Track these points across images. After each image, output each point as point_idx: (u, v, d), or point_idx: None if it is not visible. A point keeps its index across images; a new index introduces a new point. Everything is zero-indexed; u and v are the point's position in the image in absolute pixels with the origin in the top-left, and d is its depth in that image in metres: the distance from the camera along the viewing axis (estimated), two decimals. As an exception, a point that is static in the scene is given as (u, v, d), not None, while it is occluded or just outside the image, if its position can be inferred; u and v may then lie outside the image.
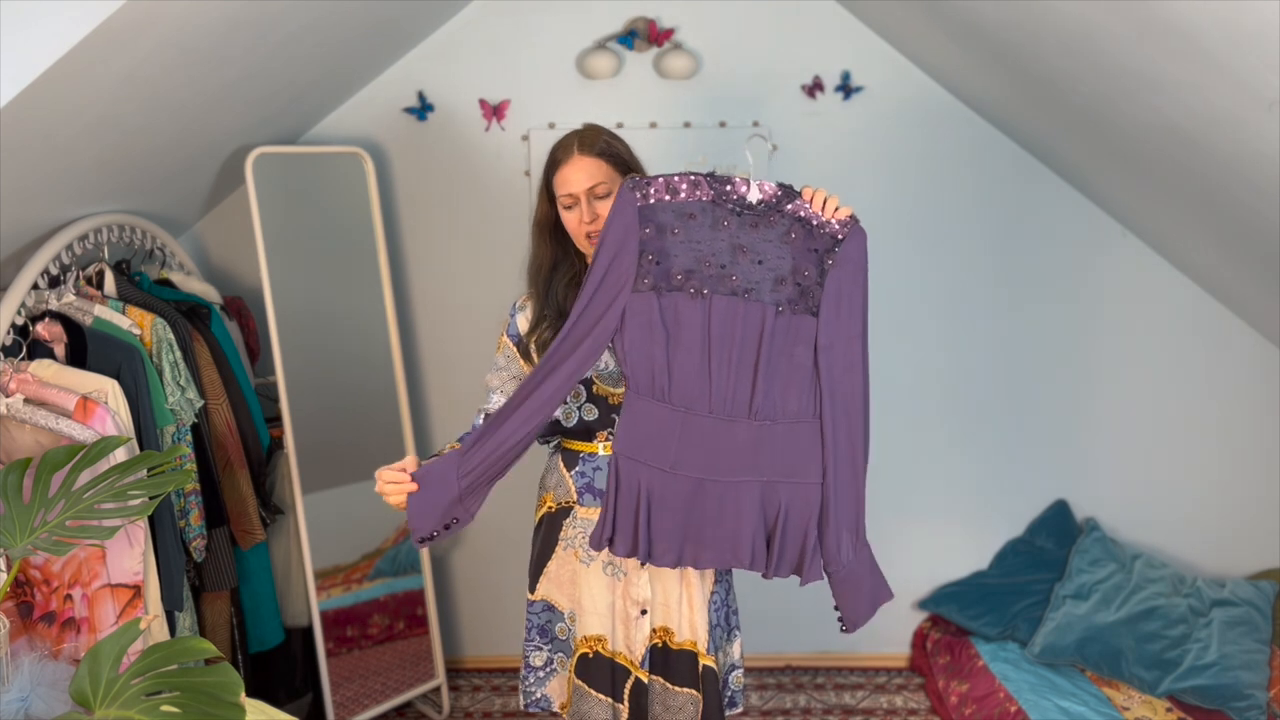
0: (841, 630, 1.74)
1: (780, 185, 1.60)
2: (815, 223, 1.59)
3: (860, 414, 1.64)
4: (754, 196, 1.59)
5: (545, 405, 1.62)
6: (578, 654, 1.79)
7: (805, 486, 1.61)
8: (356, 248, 2.80)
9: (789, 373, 1.59)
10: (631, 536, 1.63)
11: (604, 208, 1.70)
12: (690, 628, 1.78)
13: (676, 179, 1.58)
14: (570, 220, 1.74)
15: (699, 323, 1.57)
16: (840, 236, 1.59)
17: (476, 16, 2.88)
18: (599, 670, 1.78)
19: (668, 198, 1.58)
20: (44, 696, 1.56)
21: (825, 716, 3.00)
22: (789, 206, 1.59)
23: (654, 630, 1.78)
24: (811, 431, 1.61)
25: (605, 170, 1.72)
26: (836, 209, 1.60)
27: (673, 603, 1.77)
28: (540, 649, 1.85)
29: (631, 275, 1.58)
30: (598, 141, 1.74)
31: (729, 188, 1.59)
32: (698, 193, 1.58)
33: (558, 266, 1.80)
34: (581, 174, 1.71)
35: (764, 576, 1.67)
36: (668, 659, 1.78)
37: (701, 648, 1.78)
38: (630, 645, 1.78)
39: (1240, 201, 2.21)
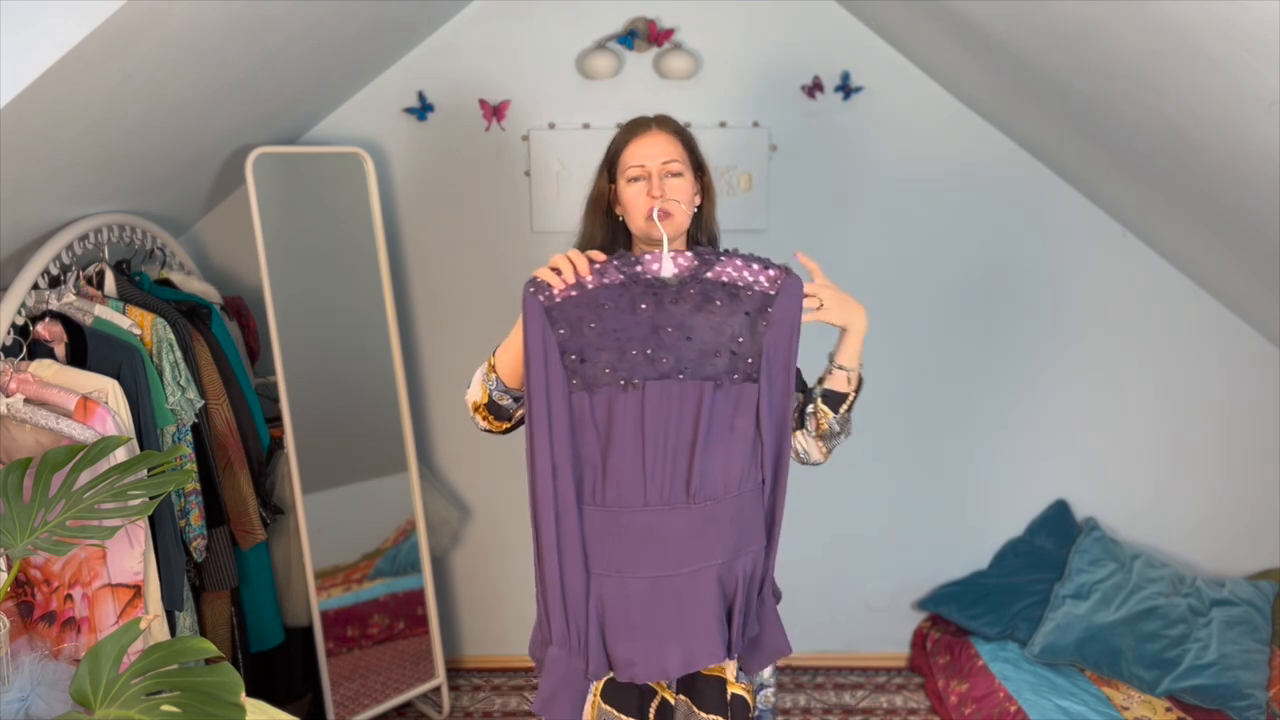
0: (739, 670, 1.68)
1: (698, 253, 1.53)
2: (741, 284, 1.51)
3: (785, 474, 1.60)
4: (668, 272, 1.51)
5: (574, 522, 1.53)
6: (607, 677, 1.67)
7: (754, 554, 1.59)
8: (356, 248, 2.80)
9: (730, 445, 1.53)
10: (593, 655, 1.55)
11: (672, 187, 1.64)
12: None
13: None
14: (634, 194, 1.65)
15: (634, 414, 1.50)
16: (772, 293, 1.51)
17: (476, 16, 2.88)
18: (627, 694, 1.68)
19: (574, 293, 1.50)
20: (44, 696, 1.56)
21: (825, 716, 3.00)
22: (709, 274, 1.51)
23: None
24: (755, 499, 1.57)
25: (680, 150, 1.67)
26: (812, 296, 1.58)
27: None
28: None
29: (562, 377, 1.51)
30: (672, 123, 1.70)
31: (639, 268, 1.51)
32: (605, 279, 1.51)
33: (606, 250, 1.70)
34: (657, 147, 1.65)
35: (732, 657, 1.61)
36: (695, 682, 1.69)
37: (730, 675, 1.69)
38: None
39: (1240, 201, 2.21)
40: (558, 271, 1.51)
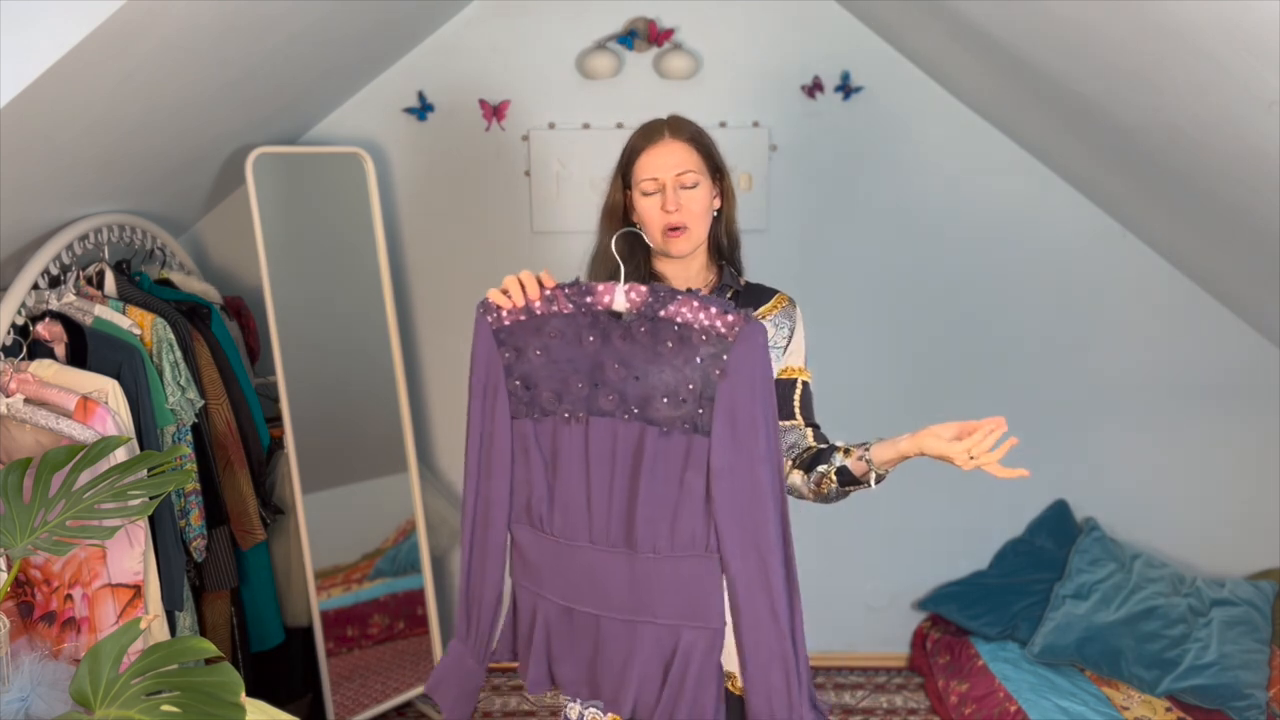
0: None
1: (652, 289, 1.41)
2: (696, 327, 1.39)
3: (776, 551, 1.40)
4: (619, 305, 1.42)
5: (496, 539, 1.52)
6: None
7: (709, 632, 1.45)
8: (356, 248, 2.80)
9: (680, 500, 1.41)
10: (534, 666, 1.54)
11: (688, 199, 1.60)
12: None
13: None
14: (649, 208, 1.62)
15: (578, 449, 1.44)
16: (729, 339, 1.37)
17: (476, 16, 2.88)
18: None
19: (523, 317, 1.45)
20: (44, 696, 1.56)
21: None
22: (662, 312, 1.40)
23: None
24: (710, 567, 1.43)
25: (695, 158, 1.61)
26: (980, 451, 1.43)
27: (730, 646, 1.62)
28: (573, 701, 1.72)
29: (504, 400, 1.47)
30: (687, 128, 1.64)
31: (590, 298, 1.43)
32: (554, 307, 1.44)
33: (623, 262, 1.65)
34: (670, 158, 1.60)
35: None
36: (729, 702, 1.62)
37: None
38: None
39: (1240, 201, 2.21)
40: (508, 294, 1.47)
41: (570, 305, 1.44)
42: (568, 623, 1.51)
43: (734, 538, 1.40)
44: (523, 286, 1.46)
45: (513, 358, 1.46)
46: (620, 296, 1.42)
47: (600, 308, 1.44)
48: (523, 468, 1.48)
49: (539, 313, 1.45)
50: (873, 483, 1.56)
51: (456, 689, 1.60)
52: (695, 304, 1.40)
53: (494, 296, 1.48)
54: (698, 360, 1.39)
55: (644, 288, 1.43)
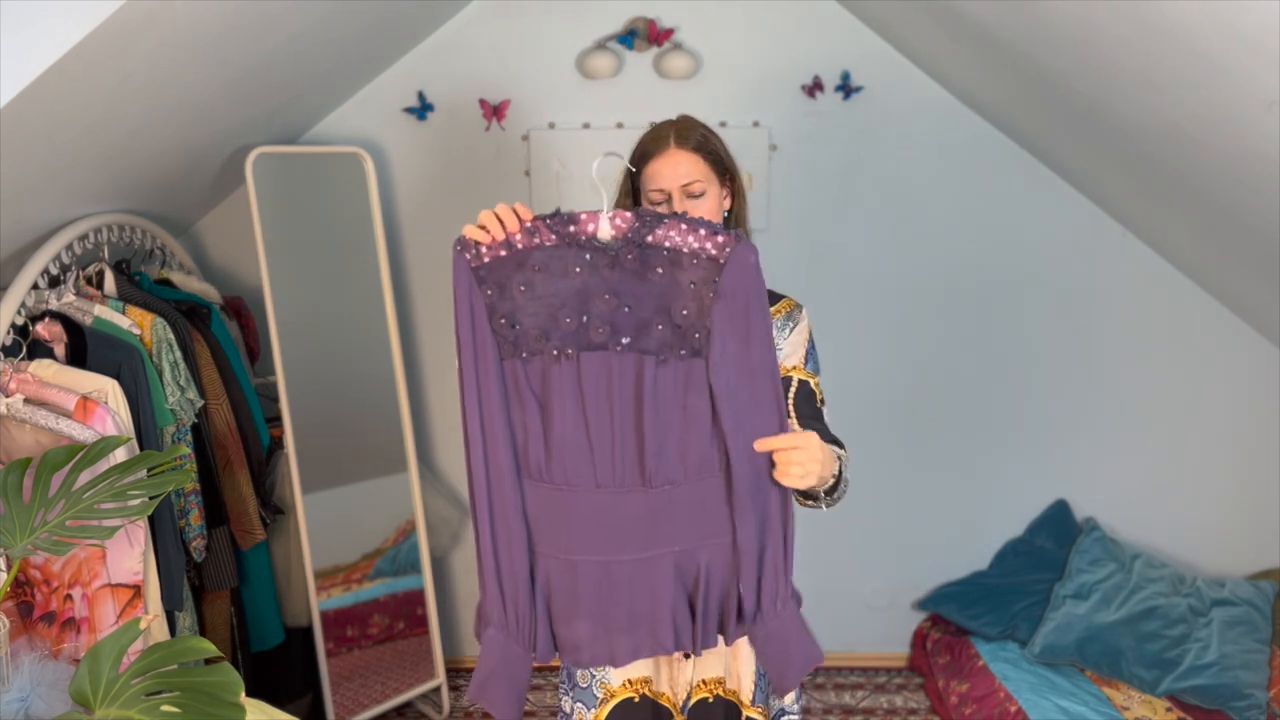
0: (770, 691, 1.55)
1: (638, 213, 1.38)
2: (686, 250, 1.36)
3: (768, 458, 1.40)
4: (605, 233, 1.38)
5: (513, 494, 1.42)
6: (619, 699, 1.66)
7: (725, 546, 1.44)
8: (356, 248, 2.80)
9: (686, 426, 1.39)
10: (538, 635, 1.46)
11: (696, 207, 1.59)
12: (734, 675, 1.66)
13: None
14: None
15: (571, 388, 1.38)
16: (721, 262, 1.35)
17: (476, 16, 2.88)
18: (642, 714, 1.65)
19: (503, 252, 1.39)
20: (44, 696, 1.56)
21: (825, 716, 3.00)
22: (650, 238, 1.37)
23: (705, 681, 1.66)
24: (720, 487, 1.43)
25: (702, 167, 1.61)
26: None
27: (721, 648, 1.61)
28: (567, 694, 1.73)
29: (491, 341, 1.39)
30: (694, 135, 1.62)
31: (573, 227, 1.38)
32: (536, 239, 1.38)
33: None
34: (676, 169, 1.59)
35: (689, 654, 1.49)
36: (706, 711, 1.66)
37: (745, 698, 1.65)
38: (674, 687, 1.67)
39: (1240, 201, 2.21)
40: (486, 229, 1.40)
41: (553, 236, 1.38)
42: (569, 578, 1.43)
43: (738, 444, 1.38)
44: (500, 220, 1.40)
45: (495, 295, 1.39)
46: (605, 224, 1.38)
47: (585, 237, 1.38)
48: (517, 413, 1.41)
49: (520, 246, 1.38)
50: (820, 497, 1.52)
51: (506, 685, 1.46)
52: (684, 226, 1.37)
53: (471, 232, 1.41)
54: (690, 285, 1.36)
55: (629, 213, 1.39)
